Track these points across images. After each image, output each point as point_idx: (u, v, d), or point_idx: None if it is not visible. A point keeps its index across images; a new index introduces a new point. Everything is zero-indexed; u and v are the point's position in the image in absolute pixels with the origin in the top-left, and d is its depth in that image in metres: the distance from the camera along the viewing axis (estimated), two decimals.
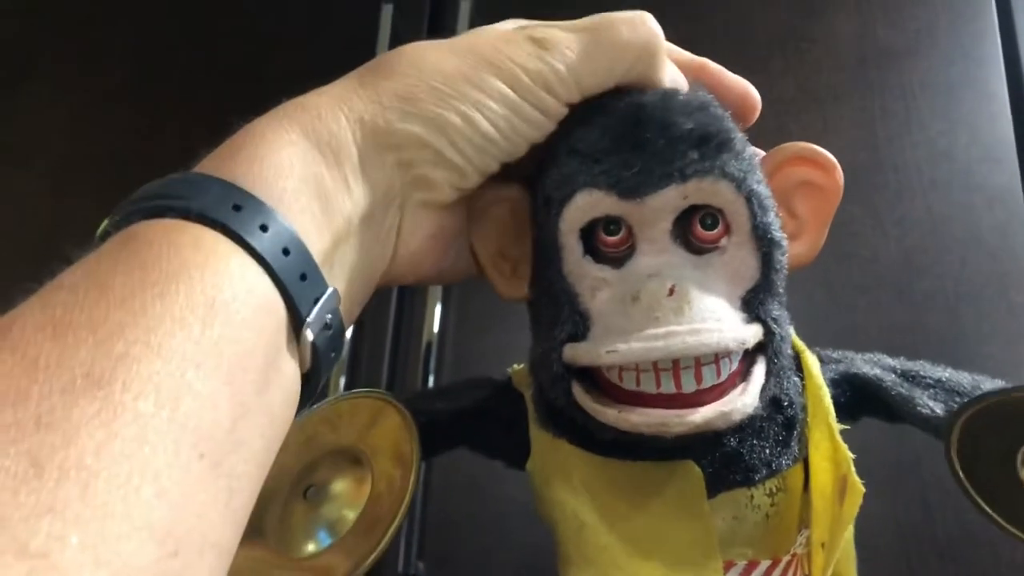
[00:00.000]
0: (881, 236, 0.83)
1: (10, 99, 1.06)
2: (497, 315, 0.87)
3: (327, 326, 0.29)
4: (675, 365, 0.34)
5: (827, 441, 0.41)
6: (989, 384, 0.41)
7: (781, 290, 0.38)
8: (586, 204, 0.36)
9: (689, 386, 0.34)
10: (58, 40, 1.09)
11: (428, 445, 0.42)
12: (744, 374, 0.36)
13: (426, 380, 0.84)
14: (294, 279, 0.28)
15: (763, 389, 0.36)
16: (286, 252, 0.28)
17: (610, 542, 0.38)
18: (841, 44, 0.91)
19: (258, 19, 1.02)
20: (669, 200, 0.35)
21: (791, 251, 0.39)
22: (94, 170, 0.99)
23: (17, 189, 1.00)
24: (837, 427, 0.41)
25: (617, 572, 0.38)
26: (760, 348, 0.37)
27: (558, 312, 0.37)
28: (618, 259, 0.37)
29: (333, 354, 0.31)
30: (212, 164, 0.30)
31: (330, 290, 0.29)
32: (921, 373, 0.44)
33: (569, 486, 0.40)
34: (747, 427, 0.39)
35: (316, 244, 0.29)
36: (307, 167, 0.30)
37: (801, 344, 0.44)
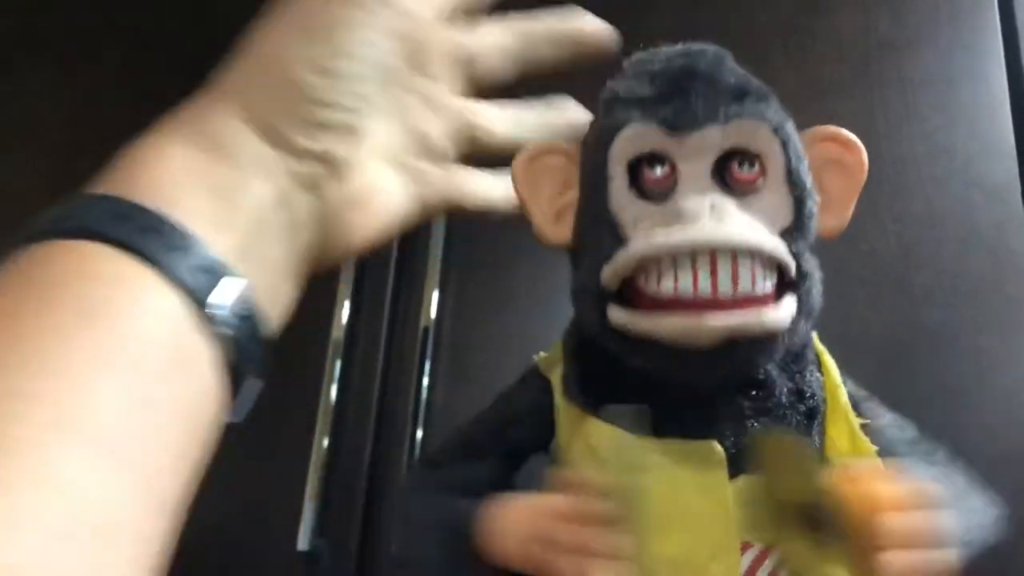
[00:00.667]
0: (880, 230, 0.83)
1: (5, 86, 1.05)
2: (495, 302, 0.87)
3: (244, 316, 0.29)
4: (712, 264, 0.36)
5: (846, 438, 0.42)
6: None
7: (812, 239, 0.41)
8: (635, 136, 0.39)
9: (725, 287, 0.36)
10: (56, 26, 1.09)
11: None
12: (776, 300, 0.38)
13: (422, 367, 0.84)
14: (193, 274, 0.28)
15: (793, 325, 0.38)
16: (181, 251, 0.28)
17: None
18: (843, 38, 0.91)
19: (260, 3, 1.02)
20: (711, 139, 0.39)
21: (822, 224, 0.42)
22: (91, 158, 0.99)
23: (12, 177, 1.00)
24: (857, 422, 0.42)
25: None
26: (791, 287, 0.39)
27: (600, 240, 0.39)
28: (661, 195, 0.39)
29: (257, 343, 0.31)
30: (100, 185, 0.30)
31: (242, 281, 0.29)
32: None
33: (594, 460, 0.41)
34: (771, 413, 0.41)
35: (220, 241, 0.29)
36: (194, 167, 0.30)
37: (821, 346, 0.46)
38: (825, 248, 0.83)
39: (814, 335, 0.44)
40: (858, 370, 0.77)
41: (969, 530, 0.40)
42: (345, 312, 0.85)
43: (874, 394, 0.78)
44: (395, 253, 0.89)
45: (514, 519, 0.38)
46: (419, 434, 0.81)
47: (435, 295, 0.85)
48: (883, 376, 0.78)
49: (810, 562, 0.34)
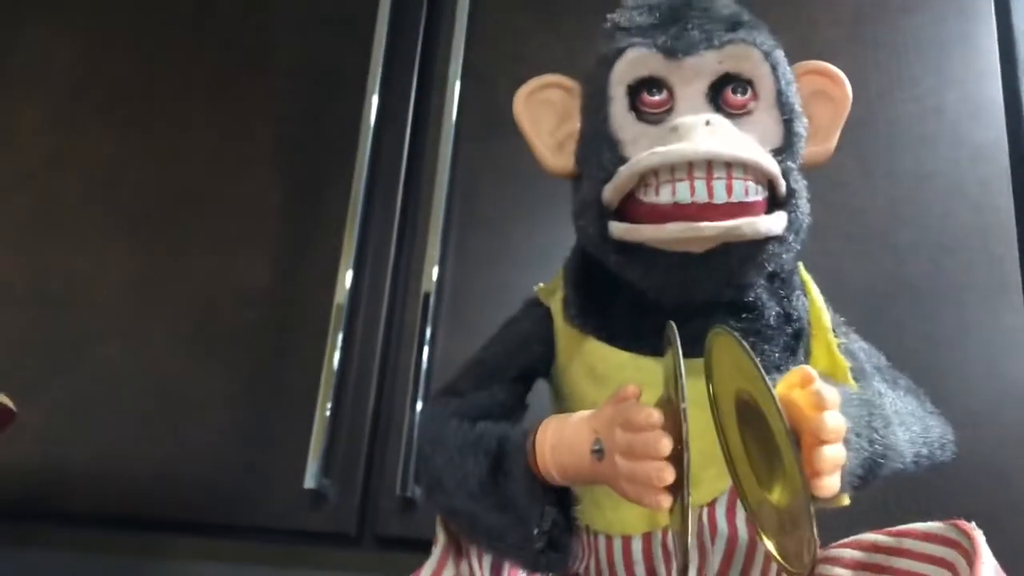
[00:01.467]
0: (869, 187, 0.86)
1: (12, 35, 1.07)
2: (493, 266, 0.89)
3: None
4: (708, 174, 0.40)
5: (825, 356, 0.46)
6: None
7: (800, 160, 0.44)
8: (635, 58, 0.43)
9: (720, 195, 0.40)
10: None
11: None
12: (768, 211, 0.42)
13: (423, 331, 0.86)
14: None
15: (784, 236, 0.42)
16: None
17: None
18: (837, 1, 0.93)
19: None
20: (707, 62, 0.43)
21: (809, 151, 0.46)
22: (95, 104, 1.01)
23: (20, 122, 1.02)
24: (835, 342, 0.45)
25: None
26: (781, 204, 0.42)
27: (601, 159, 0.42)
28: (658, 118, 0.43)
29: None
30: None
31: None
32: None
33: (592, 378, 0.44)
34: (760, 333, 0.44)
35: None
36: None
37: (807, 275, 0.49)
38: (815, 202, 0.86)
39: (800, 265, 0.47)
40: (847, 321, 0.81)
41: (920, 443, 0.43)
42: (349, 275, 0.88)
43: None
44: (397, 216, 0.92)
45: (573, 433, 0.40)
46: (422, 380, 0.84)
47: (436, 254, 0.87)
48: (869, 327, 0.80)
49: (747, 449, 0.37)
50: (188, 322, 0.89)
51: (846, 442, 0.37)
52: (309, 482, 0.81)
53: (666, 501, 0.35)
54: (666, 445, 0.35)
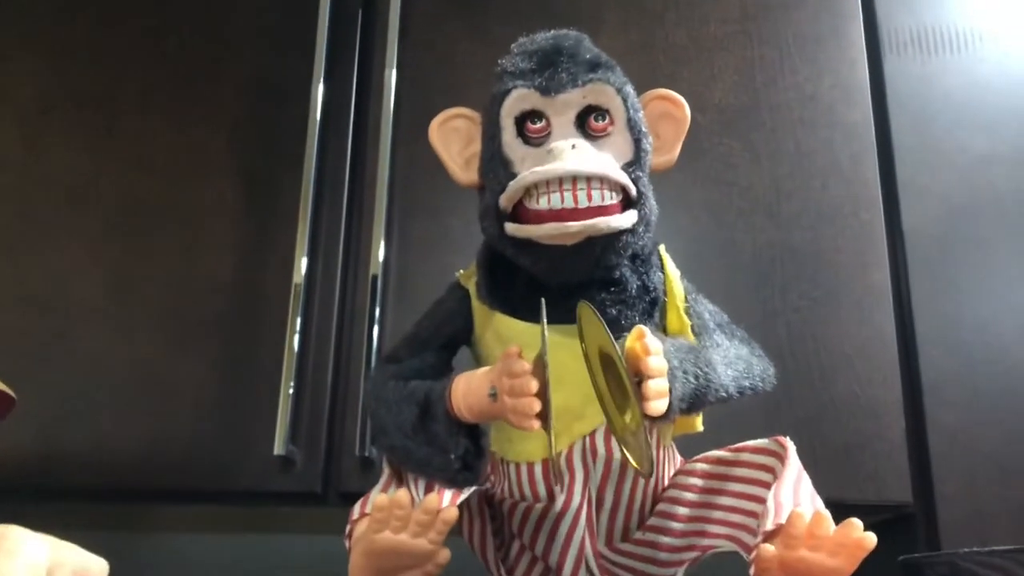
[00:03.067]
0: (756, 167, 0.99)
1: None
2: (433, 250, 0.99)
3: None
4: (574, 186, 0.52)
5: (676, 319, 0.58)
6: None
7: (648, 170, 0.57)
8: (519, 96, 0.56)
9: (582, 201, 0.52)
10: None
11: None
12: (623, 211, 0.54)
13: (373, 310, 0.96)
14: None
15: (635, 229, 0.54)
16: None
17: None
18: (727, 1, 1.05)
19: None
20: (573, 97, 0.55)
21: (657, 160, 0.59)
22: (60, 115, 1.08)
23: None
24: (683, 306, 0.57)
25: None
26: (633, 203, 0.55)
27: (497, 175, 0.55)
28: (539, 141, 0.55)
29: None
30: None
31: None
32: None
33: (499, 343, 0.57)
34: (624, 302, 0.56)
35: None
36: None
37: (666, 256, 0.61)
38: (709, 182, 0.99)
39: (662, 248, 0.59)
40: (739, 284, 0.94)
41: (743, 378, 0.56)
42: (304, 263, 0.97)
43: (751, 304, 0.94)
44: (344, 209, 1.02)
45: (477, 383, 0.53)
46: (374, 353, 0.94)
47: (382, 242, 0.97)
48: (759, 289, 0.94)
49: (609, 389, 0.49)
50: (162, 313, 0.98)
51: (673, 378, 0.50)
52: (278, 449, 0.90)
53: (536, 425, 0.48)
54: (534, 385, 0.48)
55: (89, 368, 0.97)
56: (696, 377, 0.51)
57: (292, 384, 0.93)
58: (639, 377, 0.49)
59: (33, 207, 1.04)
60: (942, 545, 0.86)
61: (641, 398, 0.48)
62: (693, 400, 0.52)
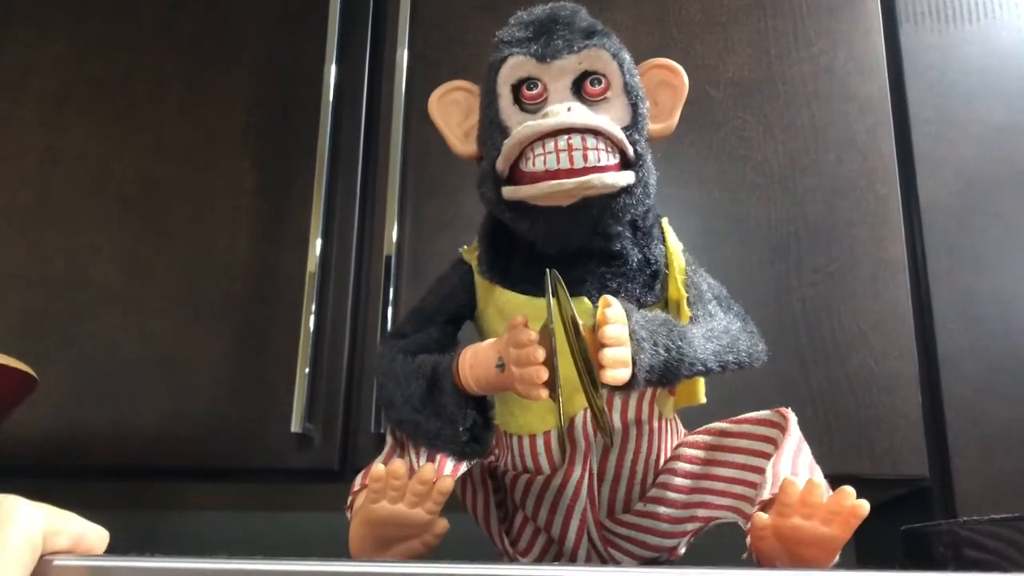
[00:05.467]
0: (770, 140, 0.98)
1: None
2: (445, 230, 0.99)
3: None
4: (569, 147, 0.52)
5: (675, 288, 0.58)
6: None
7: (646, 134, 0.57)
8: (515, 63, 0.56)
9: (578, 161, 0.52)
10: None
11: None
12: (620, 170, 0.54)
13: (387, 290, 0.97)
14: None
15: (632, 189, 0.54)
16: None
17: None
18: None
19: None
20: (569, 63, 0.56)
21: (655, 127, 0.59)
22: (79, 102, 1.10)
23: (13, 123, 1.11)
24: (681, 278, 0.57)
25: None
26: (631, 165, 0.55)
27: (495, 141, 0.55)
28: (536, 108, 0.55)
29: None
30: None
31: None
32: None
33: (501, 316, 0.57)
34: (625, 275, 0.57)
35: None
36: None
37: (668, 229, 0.61)
38: (723, 155, 0.98)
39: (664, 221, 0.59)
40: (754, 259, 0.94)
41: (726, 352, 0.55)
42: (319, 243, 0.98)
43: (766, 278, 0.94)
44: (358, 190, 1.03)
45: (483, 354, 0.53)
46: (389, 328, 0.95)
47: (395, 222, 0.98)
48: (774, 263, 0.94)
49: (582, 357, 0.50)
50: (179, 294, 0.99)
51: (640, 349, 0.49)
52: (295, 427, 0.91)
53: (545, 394, 0.48)
54: (540, 354, 0.48)
55: (108, 349, 0.99)
56: (667, 350, 0.51)
57: (308, 363, 0.94)
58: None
59: (53, 191, 1.06)
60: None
61: (599, 366, 0.48)
62: (664, 372, 0.51)
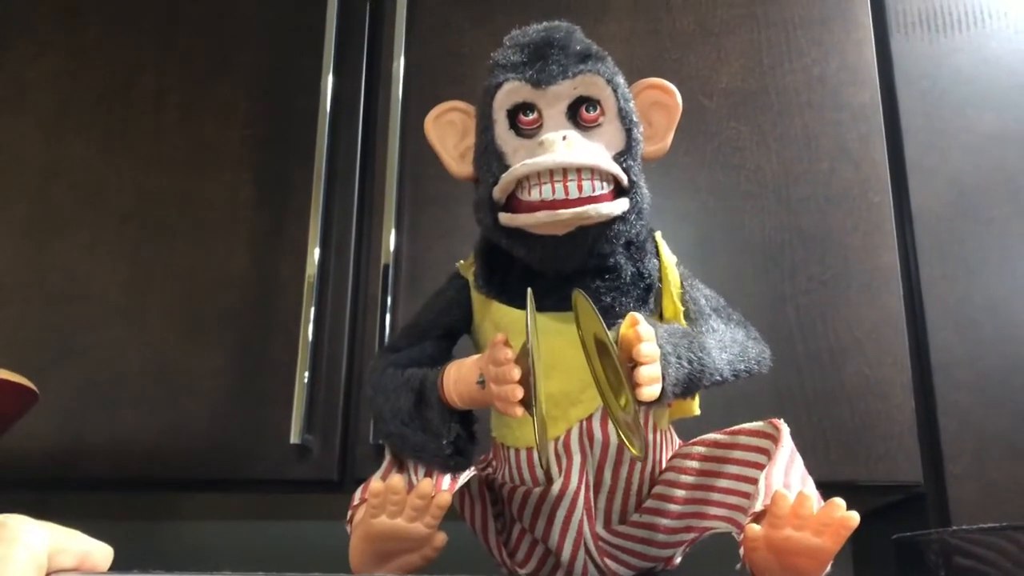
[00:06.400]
0: (764, 150, 0.99)
1: None
2: (442, 239, 1.00)
3: None
4: (564, 178, 0.53)
5: (671, 304, 0.59)
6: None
7: (640, 159, 0.57)
8: (511, 89, 0.56)
9: (573, 192, 0.53)
10: (35, 4, 1.18)
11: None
12: (615, 199, 0.55)
13: (385, 299, 0.98)
14: None
15: (626, 216, 0.55)
16: None
17: None
18: None
19: None
20: (564, 89, 0.56)
21: (649, 149, 0.59)
22: (77, 115, 1.10)
23: (12, 136, 1.12)
24: (677, 292, 0.58)
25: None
26: (625, 192, 0.55)
27: (491, 167, 0.56)
28: (531, 133, 0.56)
29: None
30: None
31: None
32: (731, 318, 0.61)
33: (497, 332, 0.57)
34: (618, 289, 0.57)
35: None
36: None
37: (662, 242, 0.61)
38: (716, 165, 0.99)
39: (658, 235, 0.60)
40: (748, 268, 0.94)
41: (738, 361, 0.56)
42: (316, 254, 0.99)
43: (760, 287, 0.95)
44: (356, 200, 1.03)
45: (466, 370, 0.54)
46: (387, 342, 0.96)
47: (392, 232, 0.99)
48: (768, 272, 0.95)
49: (605, 374, 0.50)
50: (178, 306, 1.00)
51: (667, 364, 0.50)
52: (294, 438, 0.92)
53: (520, 412, 0.49)
54: (516, 373, 0.49)
55: (107, 361, 0.99)
56: (690, 362, 0.52)
57: (307, 373, 0.95)
58: (632, 363, 0.50)
59: (52, 204, 1.06)
60: (953, 526, 0.86)
61: (634, 384, 0.49)
62: (687, 384, 0.52)
